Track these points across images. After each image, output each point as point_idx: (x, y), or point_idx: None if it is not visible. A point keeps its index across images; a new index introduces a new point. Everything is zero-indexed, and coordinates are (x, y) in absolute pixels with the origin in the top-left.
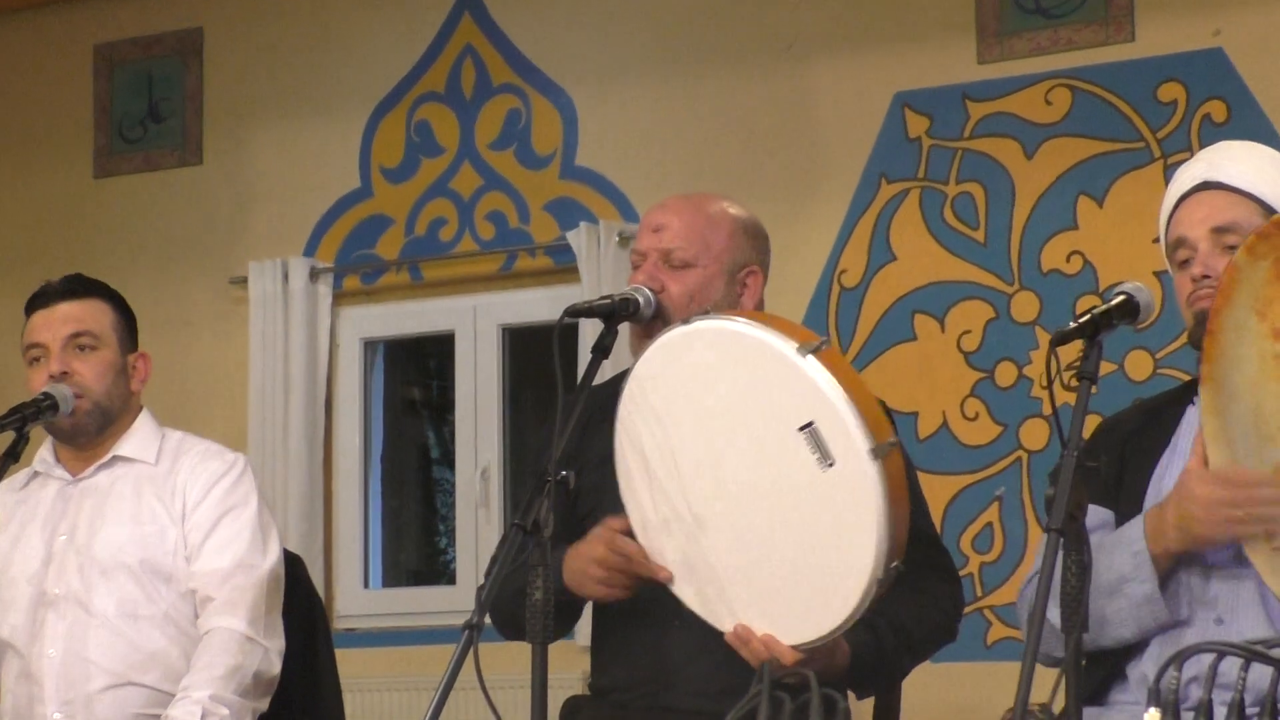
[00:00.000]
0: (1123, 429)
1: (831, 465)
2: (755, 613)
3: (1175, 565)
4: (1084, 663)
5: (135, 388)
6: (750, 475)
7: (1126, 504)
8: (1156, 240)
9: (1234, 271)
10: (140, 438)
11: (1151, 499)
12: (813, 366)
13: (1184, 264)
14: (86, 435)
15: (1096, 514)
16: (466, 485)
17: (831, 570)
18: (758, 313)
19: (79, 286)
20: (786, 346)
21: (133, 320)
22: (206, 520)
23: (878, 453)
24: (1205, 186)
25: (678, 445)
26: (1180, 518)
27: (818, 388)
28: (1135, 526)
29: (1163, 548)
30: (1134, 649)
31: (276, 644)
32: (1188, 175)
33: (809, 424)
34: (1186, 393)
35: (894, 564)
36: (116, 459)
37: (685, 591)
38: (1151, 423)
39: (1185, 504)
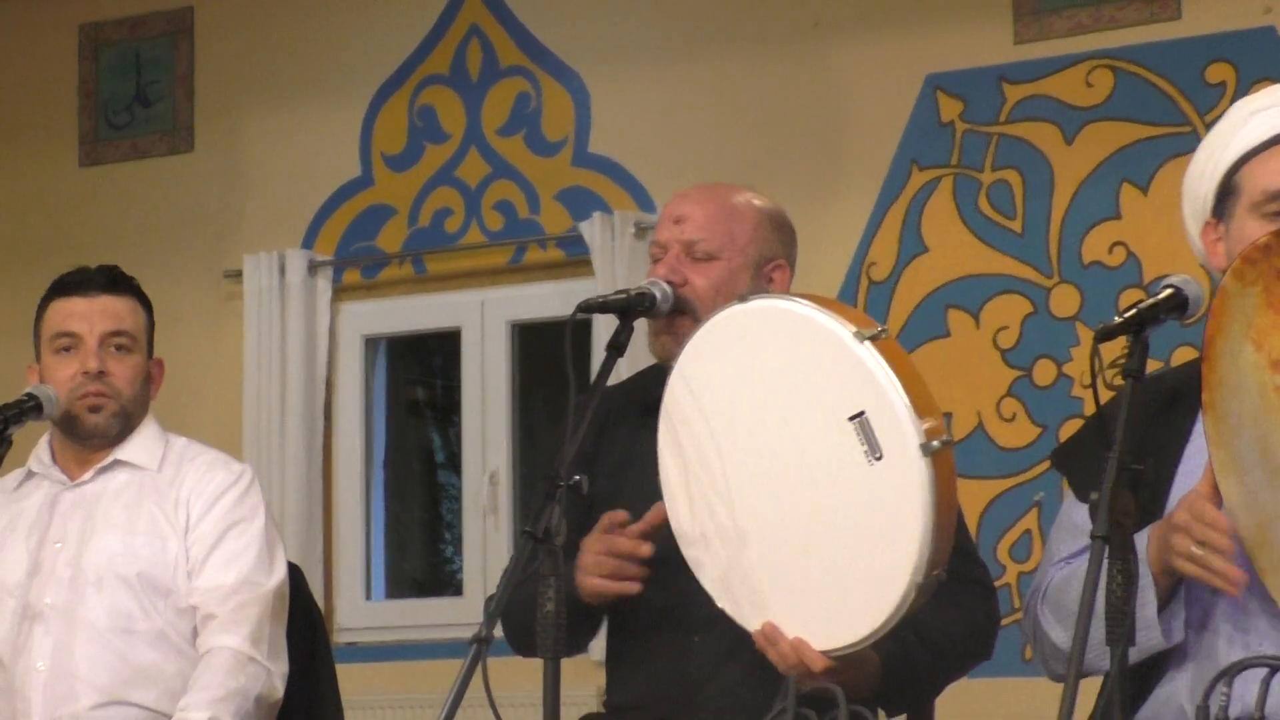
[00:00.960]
0: (1143, 412)
1: (879, 459)
2: (788, 615)
3: (1178, 585)
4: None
5: (153, 393)
6: (794, 468)
7: (1149, 503)
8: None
9: (1224, 298)
10: (143, 442)
11: (1178, 499)
12: (869, 353)
13: (1276, 215)
14: (105, 439)
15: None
16: (474, 491)
17: (870, 572)
18: (819, 295)
19: (120, 281)
20: (844, 330)
21: (153, 324)
22: (211, 534)
23: (929, 449)
24: None
25: (723, 443)
26: (1162, 551)
27: (872, 376)
28: (1138, 541)
29: (1161, 566)
30: (1161, 666)
31: (280, 667)
32: (1266, 120)
33: (859, 414)
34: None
35: (936, 571)
36: (118, 463)
37: (724, 603)
38: (1171, 409)
39: (1171, 538)
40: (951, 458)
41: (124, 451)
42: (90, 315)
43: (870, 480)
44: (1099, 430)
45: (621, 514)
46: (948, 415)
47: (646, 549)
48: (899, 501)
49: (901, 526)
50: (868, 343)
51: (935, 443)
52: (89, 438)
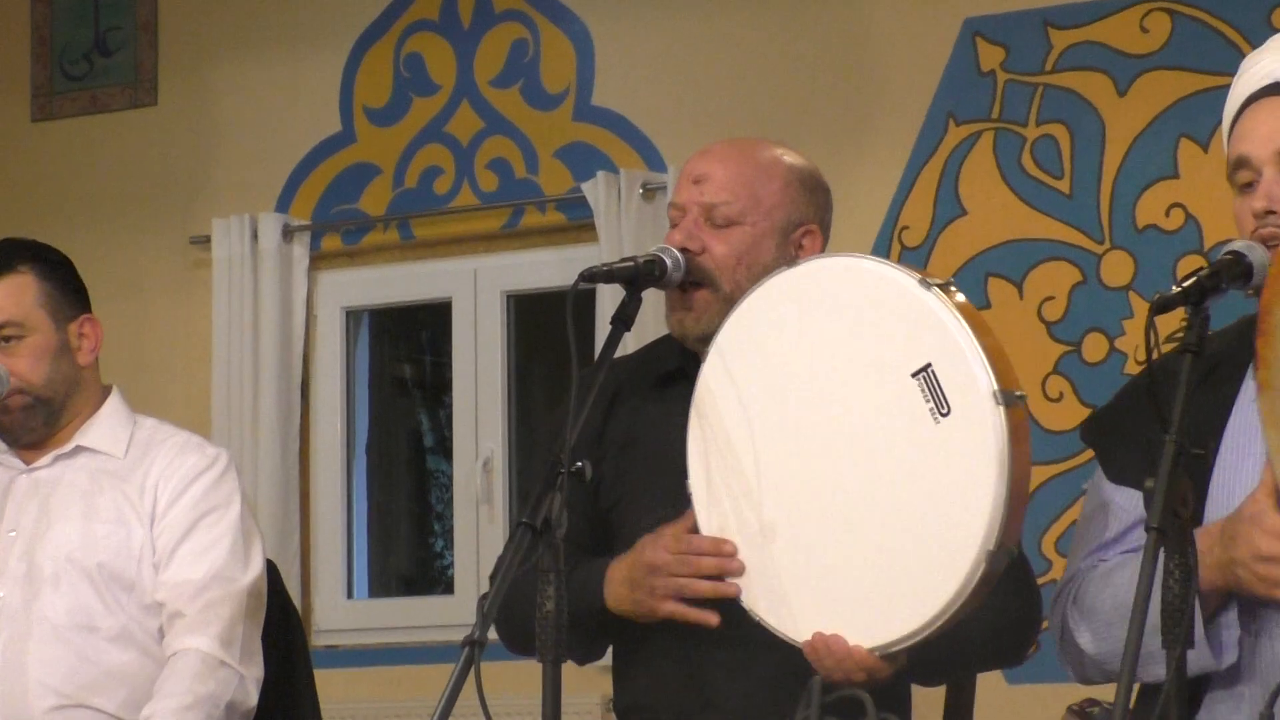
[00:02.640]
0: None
1: (947, 415)
2: (819, 612)
3: (1229, 600)
4: (1140, 690)
5: (84, 360)
6: (845, 442)
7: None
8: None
9: None
10: (108, 425)
11: (1219, 499)
12: (936, 300)
13: (1246, 188)
14: (34, 433)
15: (1133, 506)
16: (466, 478)
17: (932, 545)
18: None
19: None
20: (906, 279)
21: (67, 281)
22: (180, 523)
23: (1004, 399)
24: (1278, 89)
25: (759, 429)
26: (1223, 561)
27: (940, 322)
28: None
29: (1210, 583)
30: (1211, 677)
31: (254, 671)
32: (1257, 71)
33: (925, 366)
34: (1246, 336)
35: (1009, 545)
36: (80, 449)
37: (758, 605)
38: (1209, 382)
39: (1233, 547)
40: (1026, 419)
41: (86, 437)
42: None
43: (936, 440)
44: (1135, 403)
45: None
46: None
47: (729, 547)
48: (970, 457)
49: (973, 486)
50: (935, 289)
51: (1013, 392)
52: (15, 436)
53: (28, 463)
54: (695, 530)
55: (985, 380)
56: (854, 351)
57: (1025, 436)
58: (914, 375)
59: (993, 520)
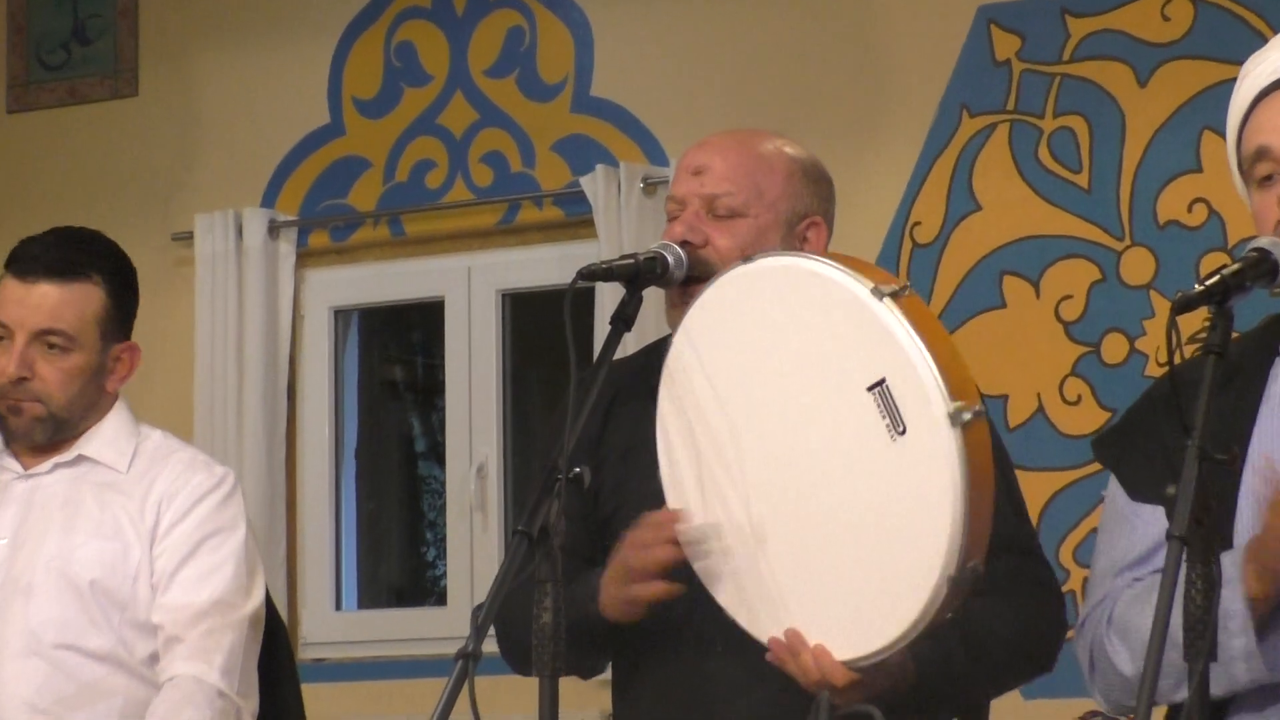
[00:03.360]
0: (1196, 393)
1: (903, 433)
2: (810, 623)
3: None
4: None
5: (112, 387)
6: (809, 450)
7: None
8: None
9: None
10: (112, 436)
11: (1248, 510)
12: (888, 312)
13: (1265, 182)
14: (32, 442)
15: (1156, 522)
16: (459, 485)
17: (895, 566)
18: (834, 252)
19: (70, 260)
20: (860, 287)
21: (130, 300)
22: (184, 544)
23: (958, 419)
24: None
25: (733, 423)
26: (1261, 565)
27: (892, 337)
28: (1226, 557)
29: (1262, 592)
30: (1236, 699)
31: (251, 704)
32: (1265, 68)
33: (879, 382)
34: (1268, 339)
35: (971, 563)
36: (82, 458)
37: (739, 614)
38: (1231, 388)
39: (1265, 551)
40: (986, 433)
41: (89, 446)
42: (23, 307)
43: (893, 459)
44: (1150, 415)
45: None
46: (1003, 397)
47: (673, 529)
48: (925, 481)
49: (930, 510)
50: (887, 300)
51: (966, 412)
52: (16, 439)
53: (26, 467)
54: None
55: (939, 402)
56: (811, 358)
57: (984, 454)
58: (870, 389)
59: (951, 546)
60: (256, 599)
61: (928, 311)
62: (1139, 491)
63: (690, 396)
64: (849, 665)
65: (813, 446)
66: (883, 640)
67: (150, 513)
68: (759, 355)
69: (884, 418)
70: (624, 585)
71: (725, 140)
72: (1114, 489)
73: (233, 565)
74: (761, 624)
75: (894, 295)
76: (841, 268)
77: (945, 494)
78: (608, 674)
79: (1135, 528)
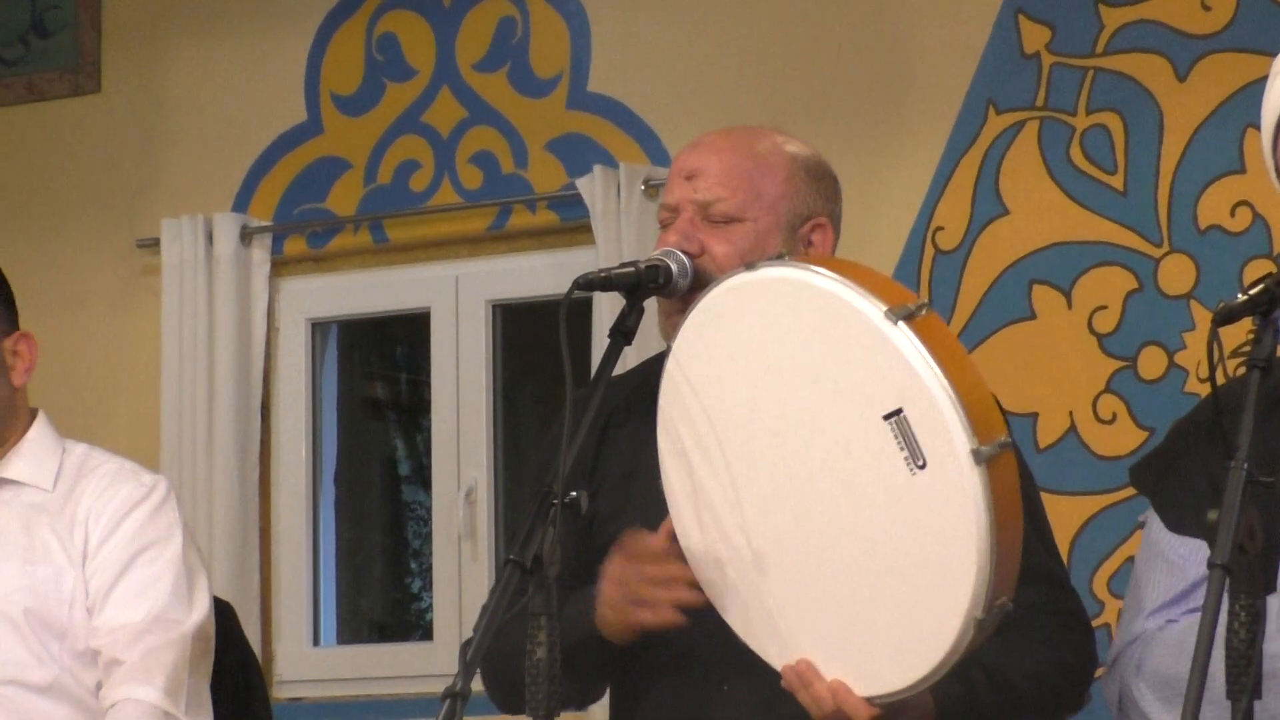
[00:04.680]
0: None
1: (923, 467)
2: (820, 655)
3: None
4: None
5: (18, 381)
6: (820, 477)
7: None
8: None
9: None
10: (33, 454)
11: None
12: (904, 337)
13: None
14: None
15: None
16: (446, 511)
17: (918, 605)
18: (844, 261)
19: None
20: (873, 309)
21: (4, 293)
22: (116, 561)
23: (983, 455)
24: None
25: (729, 445)
26: None
27: (908, 365)
28: (1273, 601)
29: None
30: None
31: None
32: None
33: (896, 411)
34: None
35: (1000, 600)
36: (4, 482)
37: (738, 623)
38: (1277, 410)
39: None
40: (1014, 465)
41: (10, 468)
42: None
43: (913, 493)
44: (1190, 440)
45: (645, 534)
46: (1032, 415)
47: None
48: (949, 521)
49: (953, 551)
50: (902, 324)
51: (990, 446)
52: None
53: None
54: (674, 539)
55: (961, 438)
56: (820, 381)
57: (1011, 488)
58: (886, 418)
59: (978, 589)
60: (200, 612)
61: (948, 333)
62: (1179, 524)
63: (685, 418)
64: (869, 702)
65: (824, 474)
66: (904, 681)
67: (79, 532)
68: (761, 371)
69: (902, 449)
70: (628, 610)
71: (719, 139)
72: (1152, 520)
73: (170, 578)
74: (770, 656)
75: (909, 317)
76: (852, 285)
77: (970, 535)
78: (604, 701)
79: (1174, 563)
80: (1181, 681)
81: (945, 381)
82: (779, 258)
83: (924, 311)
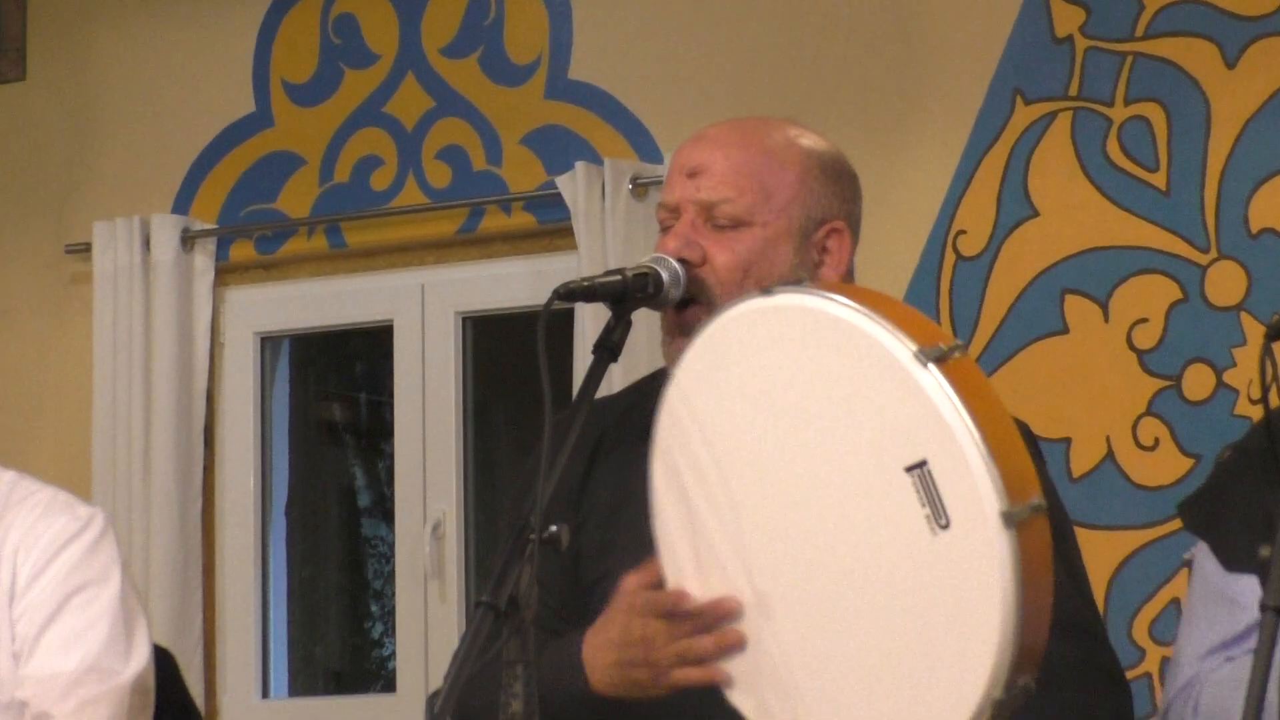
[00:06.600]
0: None
1: (945, 527)
2: (828, 713)
3: None
4: None
5: None
6: (833, 531)
7: None
8: None
9: None
10: None
11: None
12: (934, 381)
13: None
14: None
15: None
16: (411, 546)
17: (932, 679)
18: (871, 291)
19: None
20: (901, 348)
21: None
22: (46, 602)
23: (1014, 518)
24: None
25: (735, 486)
26: None
27: (936, 412)
28: None
29: None
30: None
31: None
32: None
33: (920, 463)
34: None
35: (1022, 682)
36: None
37: (744, 702)
38: None
39: None
40: (1047, 529)
41: None
42: None
43: (933, 556)
44: (1244, 470)
45: (647, 575)
46: (1065, 440)
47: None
48: (971, 588)
49: (973, 623)
50: (933, 366)
51: (1023, 507)
52: None
53: None
54: (660, 581)
55: (991, 498)
56: (839, 423)
57: (1043, 555)
58: (908, 470)
59: (998, 666)
60: (139, 661)
61: (982, 380)
62: (1235, 561)
63: (684, 448)
64: None
65: (834, 526)
66: None
67: (5, 568)
68: (770, 411)
69: (924, 506)
70: (645, 674)
71: (725, 132)
72: (1203, 558)
73: (107, 623)
74: (770, 708)
75: (941, 359)
76: (880, 319)
77: (994, 605)
78: None
79: (1231, 603)
80: (1233, 716)
81: (977, 434)
82: (798, 283)
83: (957, 354)
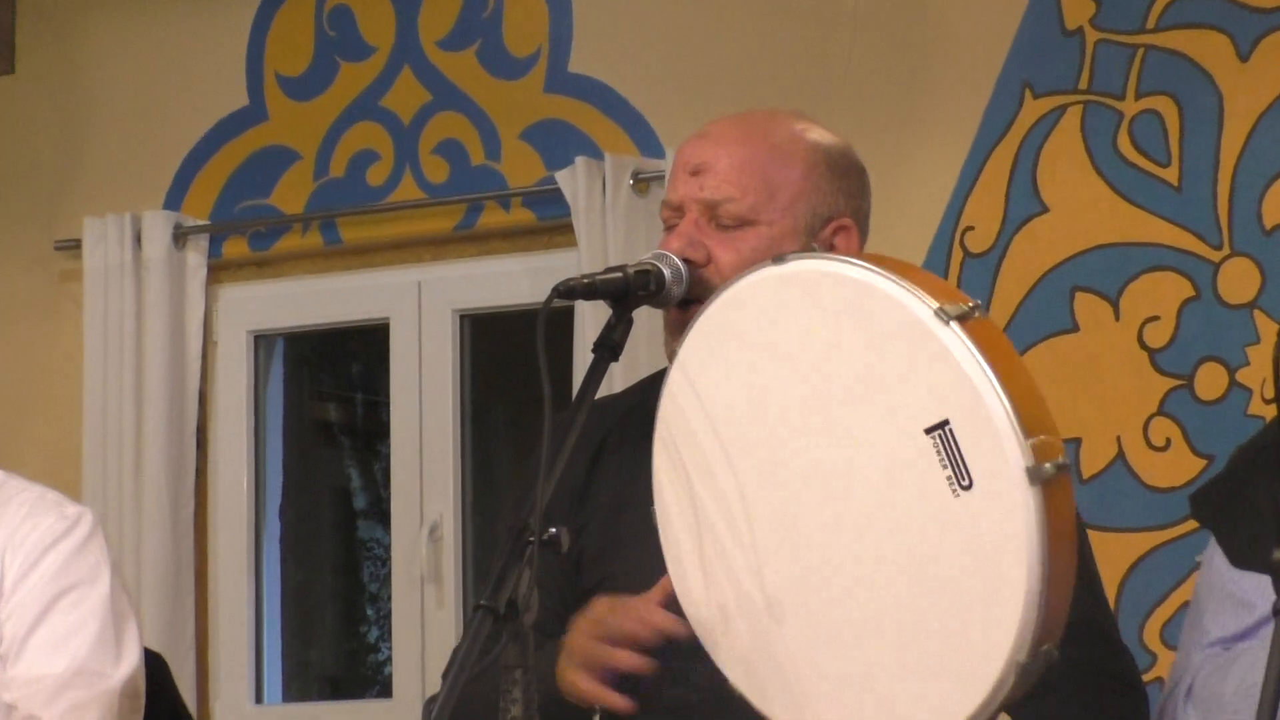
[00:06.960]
0: None
1: (968, 487)
2: (835, 709)
3: None
4: None
5: None
6: (846, 503)
7: None
8: None
9: None
10: None
11: None
12: (956, 339)
13: None
14: None
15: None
16: (407, 549)
17: (953, 647)
18: (885, 257)
19: None
20: (921, 307)
21: None
22: (34, 603)
23: (1040, 474)
24: None
25: (741, 470)
26: None
27: (960, 370)
28: None
29: None
30: None
31: None
32: None
33: (941, 423)
34: None
35: (1045, 647)
36: None
37: (736, 672)
38: None
39: None
40: (1070, 489)
41: None
42: None
43: (955, 517)
44: (1258, 465)
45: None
46: (1074, 440)
47: (667, 621)
48: (995, 549)
49: (998, 584)
50: (954, 324)
51: (1049, 465)
52: None
53: None
54: (674, 600)
55: (1016, 453)
56: (852, 391)
57: (1069, 516)
58: (929, 431)
59: (1024, 627)
60: (129, 664)
61: (1003, 339)
62: (1243, 559)
63: (687, 433)
64: None
65: (855, 494)
66: None
67: None
68: (779, 383)
69: (945, 467)
70: (568, 666)
71: (730, 128)
72: (1212, 554)
73: (96, 625)
74: (776, 713)
75: (962, 318)
76: (897, 279)
77: (1019, 564)
78: None
79: (1240, 600)
80: (1226, 698)
81: (1001, 390)
82: (810, 250)
83: (977, 313)
